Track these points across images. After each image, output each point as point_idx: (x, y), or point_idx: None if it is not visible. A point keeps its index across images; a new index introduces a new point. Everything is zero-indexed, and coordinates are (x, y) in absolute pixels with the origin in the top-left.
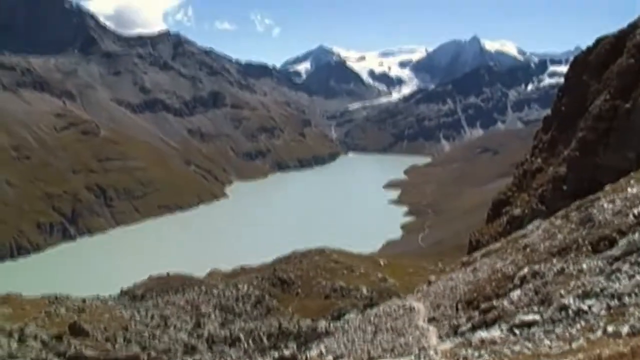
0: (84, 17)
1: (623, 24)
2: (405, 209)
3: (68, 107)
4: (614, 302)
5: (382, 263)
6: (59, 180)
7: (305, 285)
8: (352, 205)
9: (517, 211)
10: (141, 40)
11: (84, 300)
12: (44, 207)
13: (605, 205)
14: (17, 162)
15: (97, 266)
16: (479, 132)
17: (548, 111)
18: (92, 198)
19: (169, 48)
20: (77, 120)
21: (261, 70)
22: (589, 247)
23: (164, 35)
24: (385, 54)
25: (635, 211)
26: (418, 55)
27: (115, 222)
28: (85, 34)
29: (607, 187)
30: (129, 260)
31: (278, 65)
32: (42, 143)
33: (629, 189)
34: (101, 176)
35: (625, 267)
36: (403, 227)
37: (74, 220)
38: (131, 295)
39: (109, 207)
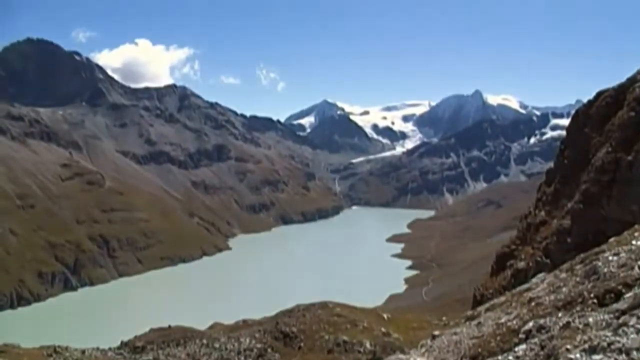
0: (93, 70)
1: (622, 78)
2: (408, 262)
3: (74, 157)
4: (622, 357)
5: (385, 317)
6: (62, 230)
7: (308, 339)
8: (355, 259)
9: (521, 264)
10: (148, 92)
11: (83, 352)
12: (46, 256)
13: (610, 258)
14: (21, 211)
15: (98, 317)
16: (482, 185)
17: (551, 164)
18: (95, 248)
19: (175, 101)
20: (82, 170)
21: (266, 124)
22: (595, 301)
23: (170, 88)
24: (388, 108)
25: None
26: (421, 109)
27: (117, 273)
28: (93, 86)
29: (612, 240)
30: (130, 311)
31: (282, 119)
32: (47, 192)
33: (634, 242)
34: (105, 227)
35: (633, 320)
36: (407, 280)
37: (76, 270)
38: (131, 347)
39: (111, 258)
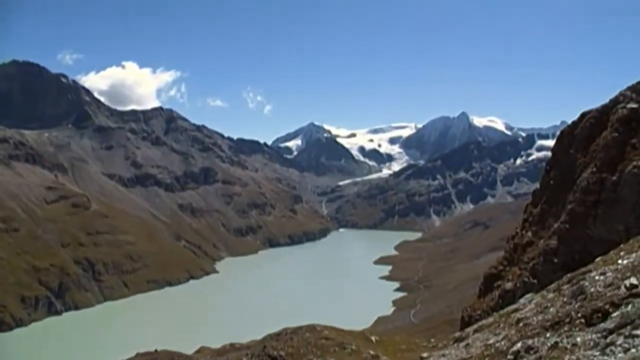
0: (79, 93)
1: (605, 99)
2: (396, 284)
3: (60, 180)
4: None
5: (374, 339)
6: (46, 254)
7: None
8: (343, 281)
9: (508, 285)
10: (134, 115)
11: None
12: (29, 280)
13: (597, 277)
14: (5, 234)
15: (83, 342)
16: (469, 206)
17: (537, 185)
18: (80, 272)
19: (162, 124)
20: (68, 193)
21: (253, 147)
22: (582, 320)
23: (157, 111)
24: (375, 131)
25: (627, 283)
26: (408, 131)
27: (103, 297)
28: (79, 108)
29: (598, 260)
30: (116, 335)
31: (269, 141)
32: (32, 215)
33: (620, 261)
34: (90, 250)
35: (620, 340)
36: (394, 302)
37: (60, 294)
38: None
39: (97, 282)
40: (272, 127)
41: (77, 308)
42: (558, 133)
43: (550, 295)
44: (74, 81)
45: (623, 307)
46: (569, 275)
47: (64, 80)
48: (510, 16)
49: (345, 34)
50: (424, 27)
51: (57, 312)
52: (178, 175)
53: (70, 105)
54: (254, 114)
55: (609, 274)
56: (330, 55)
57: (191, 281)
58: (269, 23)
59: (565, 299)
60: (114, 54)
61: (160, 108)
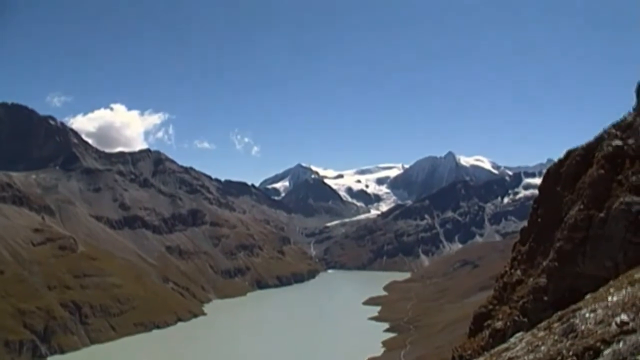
0: (67, 135)
1: (590, 136)
2: (386, 325)
3: (47, 222)
4: None
5: None
6: (32, 296)
7: None
8: (332, 323)
9: (499, 324)
10: (122, 157)
11: None
12: (14, 324)
13: (587, 314)
14: None
15: None
16: (457, 246)
17: (525, 223)
18: (67, 315)
19: (150, 166)
20: (54, 235)
21: (240, 188)
22: (574, 358)
23: (145, 153)
24: (362, 172)
25: (618, 320)
26: (395, 171)
27: (89, 340)
28: (67, 150)
29: (588, 296)
30: None
31: (257, 183)
32: (18, 258)
33: (609, 297)
34: (77, 292)
35: None
36: (384, 343)
37: (46, 338)
38: None
39: (83, 325)
40: (260, 168)
41: (62, 352)
42: (544, 171)
43: (541, 333)
44: (62, 123)
45: (615, 344)
46: (559, 313)
47: (52, 122)
48: (495, 57)
49: (331, 75)
50: (408, 69)
51: (42, 356)
52: (166, 217)
53: (58, 147)
54: (242, 155)
55: (600, 311)
56: (316, 98)
57: (179, 323)
58: (256, 66)
59: (556, 337)
60: (103, 96)
61: (148, 150)
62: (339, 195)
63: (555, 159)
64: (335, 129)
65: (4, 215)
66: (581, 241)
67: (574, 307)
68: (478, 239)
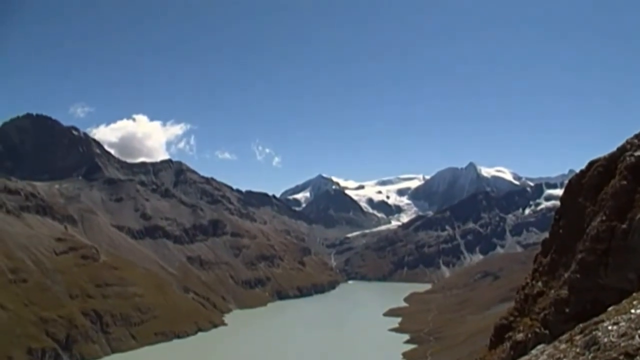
0: (90, 145)
1: (612, 146)
2: (406, 336)
3: (69, 231)
4: None
5: None
6: (54, 305)
7: None
8: (352, 334)
9: (520, 336)
10: (144, 167)
11: None
12: (37, 332)
13: (610, 327)
14: (13, 285)
15: None
16: (478, 257)
17: (546, 234)
18: (88, 324)
19: (171, 176)
20: (77, 244)
21: (261, 199)
22: None
23: (166, 163)
24: (383, 183)
25: None
26: (416, 182)
27: (110, 349)
28: (90, 160)
29: (611, 309)
30: None
31: (278, 194)
32: (41, 267)
33: (633, 310)
34: (98, 301)
35: None
36: (404, 355)
37: (67, 346)
38: None
39: (104, 334)
40: (281, 179)
41: None
42: (566, 182)
43: (563, 346)
44: (85, 134)
45: (638, 357)
46: (581, 325)
47: (75, 132)
48: (517, 66)
49: (352, 86)
50: (430, 79)
51: None
52: (187, 227)
53: (81, 157)
54: (263, 166)
55: (623, 323)
56: (338, 108)
57: (199, 334)
58: (278, 76)
59: (578, 350)
60: (125, 107)
61: (170, 160)
62: (359, 206)
63: (577, 170)
64: (356, 139)
65: (27, 224)
66: (603, 253)
67: (596, 319)
68: (499, 250)
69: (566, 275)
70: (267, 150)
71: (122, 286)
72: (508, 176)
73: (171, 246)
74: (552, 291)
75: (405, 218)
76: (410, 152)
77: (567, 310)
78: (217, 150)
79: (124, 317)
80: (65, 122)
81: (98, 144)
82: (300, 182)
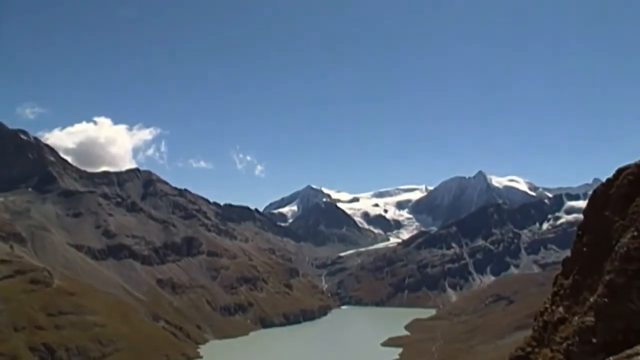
0: (42, 151)
1: None
2: None
3: (16, 251)
4: None
5: None
6: None
7: None
8: None
9: None
10: (106, 177)
11: None
12: None
13: None
14: None
15: None
16: (489, 278)
17: (567, 252)
18: None
19: (139, 187)
20: (25, 267)
21: (242, 213)
22: None
23: (133, 173)
24: (380, 194)
25: None
26: (417, 194)
27: None
28: (42, 169)
29: None
30: None
31: (261, 207)
32: None
33: None
34: (50, 333)
35: None
36: None
37: None
38: None
39: None
40: (264, 191)
41: None
42: (590, 193)
43: None
44: (35, 138)
45: None
46: (611, 358)
47: (23, 137)
48: (532, 64)
49: (344, 86)
50: (431, 78)
51: None
52: (157, 246)
53: (32, 165)
54: (244, 176)
55: None
56: (329, 112)
57: None
58: (259, 75)
59: None
60: (84, 107)
61: (137, 170)
62: (354, 221)
63: (603, 179)
64: (350, 146)
65: None
66: (635, 273)
67: (629, 351)
68: (513, 270)
69: (592, 299)
70: (249, 158)
71: (79, 315)
72: (523, 186)
73: (138, 268)
74: (576, 318)
75: (405, 234)
76: (411, 159)
77: (594, 340)
78: (191, 158)
79: (81, 351)
80: (11, 125)
81: (52, 150)
82: (286, 194)
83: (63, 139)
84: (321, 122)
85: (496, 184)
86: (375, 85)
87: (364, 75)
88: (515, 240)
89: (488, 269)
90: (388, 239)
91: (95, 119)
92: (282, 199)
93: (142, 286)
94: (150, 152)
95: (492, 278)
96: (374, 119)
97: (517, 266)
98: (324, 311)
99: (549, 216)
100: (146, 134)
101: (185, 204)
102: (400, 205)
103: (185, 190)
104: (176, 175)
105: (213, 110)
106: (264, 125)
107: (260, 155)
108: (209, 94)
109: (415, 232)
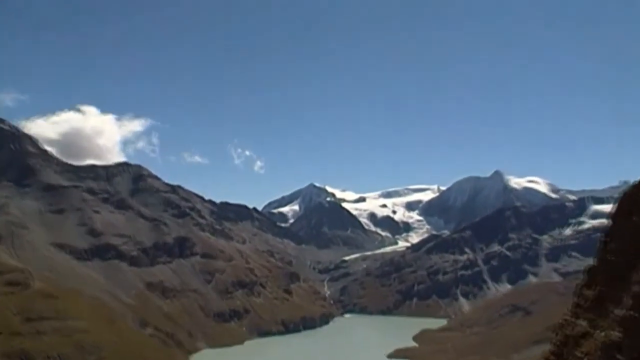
0: (21, 142)
1: None
2: None
3: None
4: None
5: None
6: None
7: None
8: None
9: None
10: (93, 171)
11: None
12: None
13: None
14: None
15: None
16: (505, 287)
17: (591, 260)
18: None
19: (127, 182)
20: (2, 267)
21: (239, 212)
22: None
23: (122, 167)
24: (389, 194)
25: None
26: (429, 194)
27: None
28: (21, 161)
29: None
30: None
31: (260, 206)
32: None
33: None
34: (29, 340)
35: None
36: None
37: None
38: None
39: None
40: (264, 188)
41: None
42: (617, 196)
43: None
44: (15, 128)
45: None
46: None
47: (2, 125)
48: (553, 56)
49: (352, 78)
50: (445, 73)
51: None
52: (146, 246)
53: (11, 157)
54: (242, 172)
55: None
56: (332, 104)
57: None
58: (260, 65)
59: None
60: (68, 95)
61: (126, 163)
62: (359, 223)
63: (632, 181)
64: (356, 141)
65: None
66: None
67: None
68: (531, 279)
69: (618, 312)
70: (247, 153)
71: (61, 320)
72: (543, 188)
73: (126, 269)
74: (600, 332)
75: (415, 238)
76: (422, 157)
77: (619, 356)
78: (185, 152)
79: (63, 359)
80: None
81: (33, 141)
82: (287, 192)
83: (45, 128)
84: (326, 116)
85: (514, 185)
86: (385, 79)
87: (375, 68)
88: (534, 246)
89: (504, 277)
90: (396, 243)
91: (81, 107)
92: (283, 198)
93: (129, 290)
94: (140, 144)
95: (509, 287)
96: (383, 113)
97: (535, 274)
98: (325, 319)
99: (572, 221)
100: (136, 125)
101: (178, 202)
102: (409, 207)
103: (178, 186)
104: (168, 170)
105: (209, 101)
106: (264, 118)
107: (259, 150)
108: (204, 83)
109: (425, 235)
